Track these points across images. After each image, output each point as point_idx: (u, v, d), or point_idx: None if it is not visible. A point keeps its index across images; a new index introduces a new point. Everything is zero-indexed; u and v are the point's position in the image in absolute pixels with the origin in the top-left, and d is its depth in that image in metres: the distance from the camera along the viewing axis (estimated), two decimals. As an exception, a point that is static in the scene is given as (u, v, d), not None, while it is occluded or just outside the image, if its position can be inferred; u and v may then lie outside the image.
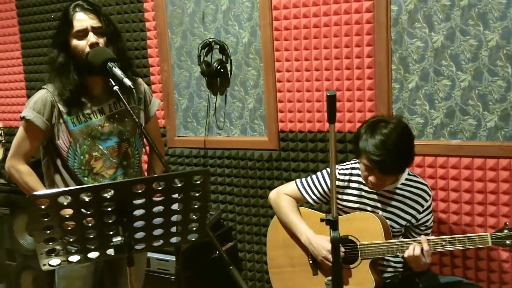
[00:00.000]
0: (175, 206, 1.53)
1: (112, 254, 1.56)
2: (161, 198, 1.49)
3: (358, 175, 2.38)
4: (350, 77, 2.80)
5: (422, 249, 2.12)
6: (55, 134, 2.17)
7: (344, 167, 2.43)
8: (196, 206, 1.55)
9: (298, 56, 2.93)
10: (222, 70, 3.14)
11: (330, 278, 1.89)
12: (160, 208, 1.51)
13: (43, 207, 1.36)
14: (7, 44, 4.04)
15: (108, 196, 1.41)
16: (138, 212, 1.49)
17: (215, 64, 3.13)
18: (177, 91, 3.36)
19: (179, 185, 1.47)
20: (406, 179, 2.37)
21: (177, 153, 3.41)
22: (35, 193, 1.32)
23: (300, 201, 2.50)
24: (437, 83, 2.61)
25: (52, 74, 2.17)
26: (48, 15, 3.79)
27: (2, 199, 3.33)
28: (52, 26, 3.76)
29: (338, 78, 2.83)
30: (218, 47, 3.15)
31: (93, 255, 1.54)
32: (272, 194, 2.54)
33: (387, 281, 2.38)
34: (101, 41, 2.13)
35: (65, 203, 1.37)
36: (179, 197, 1.51)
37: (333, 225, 1.64)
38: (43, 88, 2.19)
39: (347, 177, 2.39)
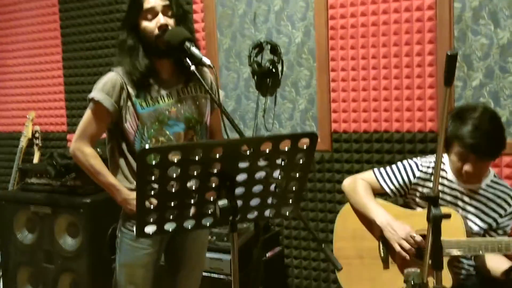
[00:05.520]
0: (276, 174, 1.46)
1: (208, 224, 1.49)
2: (265, 163, 1.43)
3: (442, 169, 2.29)
4: (409, 75, 2.76)
5: None
6: (123, 117, 2.11)
7: (427, 160, 2.34)
8: (297, 175, 1.49)
9: (354, 54, 2.90)
10: (273, 70, 3.10)
11: (412, 270, 1.79)
12: (262, 174, 1.44)
13: (154, 163, 1.29)
14: (47, 48, 4.03)
15: (217, 156, 1.35)
16: (241, 177, 1.43)
17: (266, 64, 3.10)
18: (225, 93, 3.32)
19: (286, 149, 1.41)
20: (492, 181, 2.28)
21: (223, 155, 3.35)
22: (146, 147, 1.26)
23: (376, 191, 2.40)
24: (503, 80, 2.57)
25: (121, 56, 2.13)
26: (92, 19, 3.79)
27: (44, 199, 3.24)
28: (96, 30, 3.76)
29: (397, 76, 2.79)
30: (269, 47, 3.13)
31: (188, 223, 1.46)
32: (348, 180, 2.45)
33: (461, 282, 2.28)
34: (171, 22, 2.10)
35: (175, 161, 1.31)
36: (283, 163, 1.44)
37: (433, 201, 1.56)
38: (112, 71, 2.15)
39: (430, 170, 2.30)
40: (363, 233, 2.36)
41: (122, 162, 2.16)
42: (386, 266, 2.29)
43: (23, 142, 3.96)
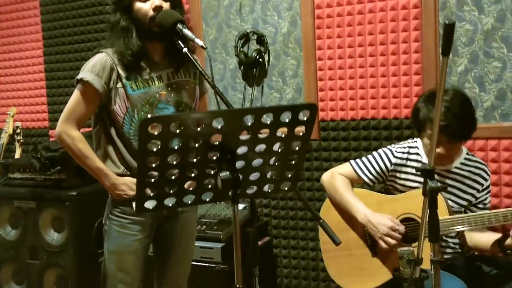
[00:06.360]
0: (276, 147, 1.46)
1: (207, 199, 1.48)
2: (265, 135, 1.43)
3: (417, 153, 2.34)
4: (396, 63, 2.79)
5: None
6: (112, 99, 2.07)
7: (401, 146, 2.39)
8: (297, 148, 1.49)
9: (341, 43, 2.92)
10: (260, 59, 3.10)
11: (405, 248, 1.81)
12: (262, 147, 1.44)
13: (156, 133, 1.28)
14: (28, 43, 3.96)
15: (219, 127, 1.34)
16: (241, 150, 1.42)
17: (253, 54, 3.10)
18: (211, 84, 3.31)
19: (287, 120, 1.41)
20: (465, 159, 2.34)
21: (209, 147, 3.33)
22: (149, 116, 1.25)
23: (355, 182, 2.43)
24: (487, 65, 2.62)
25: (113, 37, 2.10)
26: (74, 12, 3.74)
27: (28, 193, 3.18)
28: (78, 23, 3.72)
29: (384, 64, 2.82)
30: (255, 37, 3.13)
31: (188, 199, 1.45)
32: (326, 175, 2.47)
33: (448, 262, 2.31)
34: (166, 5, 2.08)
35: (177, 131, 1.30)
36: (283, 136, 1.44)
37: (429, 174, 1.57)
38: (101, 52, 2.11)
39: (404, 155, 2.35)
40: (347, 224, 2.38)
41: (109, 146, 2.12)
42: (374, 254, 2.31)
43: (4, 139, 3.87)
